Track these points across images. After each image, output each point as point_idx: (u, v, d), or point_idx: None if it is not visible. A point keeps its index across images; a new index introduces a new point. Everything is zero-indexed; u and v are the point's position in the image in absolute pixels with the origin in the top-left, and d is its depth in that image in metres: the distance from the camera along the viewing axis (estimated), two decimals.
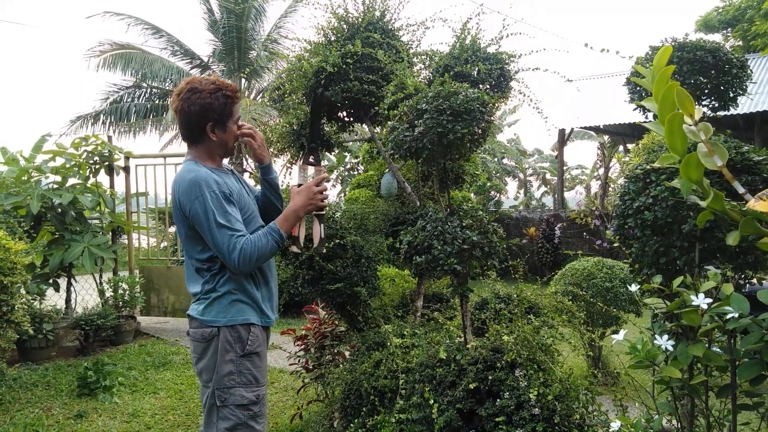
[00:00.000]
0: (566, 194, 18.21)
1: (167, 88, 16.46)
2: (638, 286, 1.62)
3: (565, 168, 19.99)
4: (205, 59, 16.55)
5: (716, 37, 16.92)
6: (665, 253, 1.90)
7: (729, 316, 1.31)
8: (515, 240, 10.93)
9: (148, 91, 16.68)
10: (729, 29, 17.11)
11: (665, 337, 1.39)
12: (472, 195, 11.28)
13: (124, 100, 16.43)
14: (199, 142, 2.07)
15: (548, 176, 24.47)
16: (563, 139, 13.33)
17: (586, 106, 12.72)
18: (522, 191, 24.98)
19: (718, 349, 1.49)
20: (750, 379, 1.33)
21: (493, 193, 13.52)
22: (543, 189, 25.33)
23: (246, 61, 16.13)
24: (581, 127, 13.39)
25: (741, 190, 1.31)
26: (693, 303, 1.32)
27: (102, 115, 16.13)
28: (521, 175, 25.24)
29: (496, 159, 20.83)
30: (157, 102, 16.66)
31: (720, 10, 17.24)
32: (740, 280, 1.98)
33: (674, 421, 1.68)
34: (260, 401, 2.07)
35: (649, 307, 1.61)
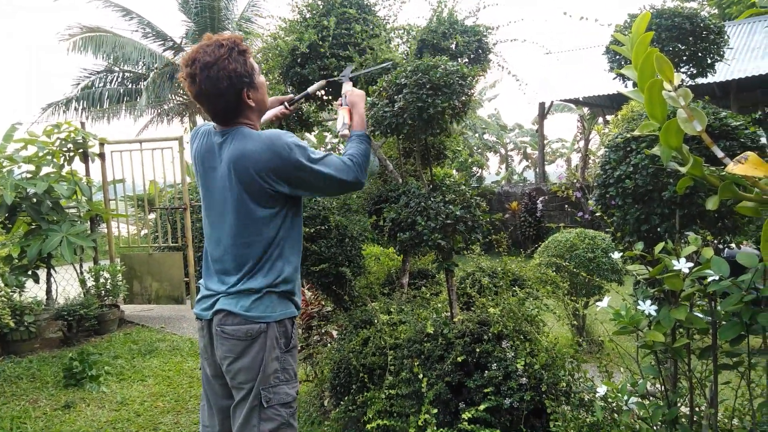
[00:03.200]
0: (547, 168, 18.34)
1: (140, 71, 16.08)
2: (621, 254, 1.63)
3: (545, 141, 20.07)
4: (178, 40, 16.17)
5: (692, 6, 16.95)
6: (646, 221, 1.92)
7: (710, 279, 1.33)
8: (498, 215, 10.99)
9: (121, 75, 16.28)
10: None
11: (648, 302, 1.40)
12: (454, 171, 11.29)
13: (96, 85, 16.03)
14: (238, 116, 1.84)
15: (529, 150, 24.60)
16: (543, 112, 13.36)
17: (566, 79, 12.74)
18: (503, 166, 25.09)
19: (699, 314, 1.52)
20: (730, 339, 1.36)
21: (474, 168, 13.55)
22: (524, 163, 25.49)
23: None
24: (561, 100, 13.42)
25: (720, 154, 1.32)
26: (675, 268, 1.33)
27: (74, 102, 15.73)
28: (502, 150, 25.33)
29: (477, 134, 20.86)
30: (130, 86, 16.28)
31: None
32: (719, 244, 2.02)
33: (658, 385, 1.71)
34: (296, 397, 1.94)
35: (632, 274, 1.63)
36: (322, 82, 2.35)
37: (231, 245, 1.86)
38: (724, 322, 1.40)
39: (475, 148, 19.95)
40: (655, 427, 1.48)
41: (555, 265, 4.27)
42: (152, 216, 7.67)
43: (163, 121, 17.24)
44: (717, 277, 1.32)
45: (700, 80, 2.47)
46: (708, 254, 1.39)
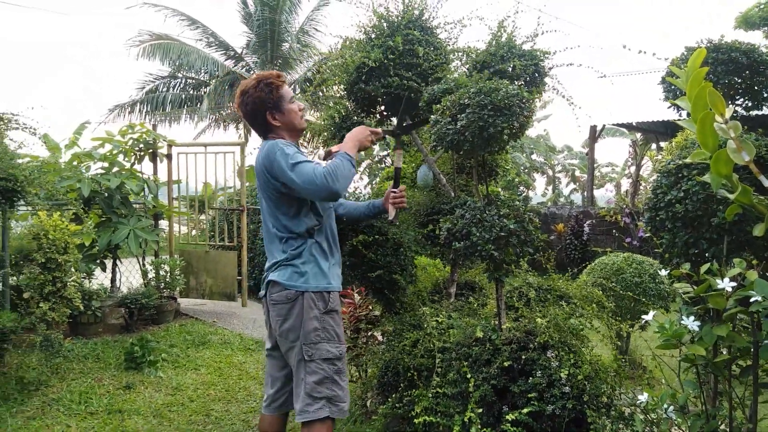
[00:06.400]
0: (596, 192, 18.05)
1: (201, 78, 16.87)
2: (667, 272, 1.73)
3: (595, 165, 19.73)
4: (239, 51, 16.87)
5: (756, 34, 16.48)
6: (695, 245, 2.00)
7: (753, 299, 1.42)
8: (544, 236, 10.92)
9: (183, 81, 17.11)
10: None
11: (692, 318, 1.50)
12: (500, 189, 11.31)
13: (160, 90, 16.89)
14: (269, 131, 2.34)
15: (577, 173, 24.23)
16: (594, 135, 13.24)
17: (619, 103, 12.60)
18: (550, 188, 24.80)
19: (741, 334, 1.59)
20: None
21: (521, 188, 13.52)
22: (572, 186, 25.12)
23: (278, 53, 16.40)
24: (613, 124, 13.27)
25: (767, 183, 1.41)
26: (718, 287, 1.43)
27: (138, 104, 16.61)
28: (550, 172, 25.05)
29: (525, 154, 20.74)
30: (191, 92, 17.07)
31: (762, 6, 16.76)
32: (767, 272, 2.08)
33: (699, 404, 1.79)
34: (343, 358, 2.24)
35: (678, 293, 1.72)
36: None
37: (267, 232, 2.30)
38: (765, 342, 1.48)
39: (522, 168, 19.83)
40: None
41: (601, 287, 4.31)
42: (205, 216, 8.07)
43: (219, 126, 17.95)
44: (760, 298, 1.41)
45: (755, 112, 2.53)
46: (752, 277, 1.48)
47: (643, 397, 1.64)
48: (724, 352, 1.66)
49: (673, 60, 2.31)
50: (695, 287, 1.56)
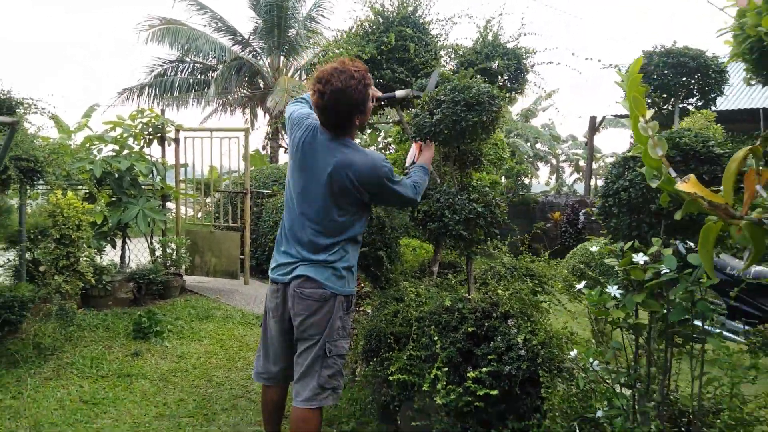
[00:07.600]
0: (598, 181, 18.23)
1: (209, 63, 17.11)
2: (598, 248, 2.01)
3: (598, 155, 19.90)
4: (247, 36, 17.08)
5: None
6: (637, 228, 2.27)
7: (663, 271, 1.70)
8: (539, 224, 11.17)
9: (191, 65, 17.36)
10: None
11: (615, 286, 1.78)
12: (502, 179, 11.54)
13: (168, 74, 17.15)
14: (345, 130, 2.29)
15: (581, 163, 24.39)
16: (594, 126, 13.42)
17: (621, 94, 12.76)
18: (554, 177, 24.97)
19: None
20: (678, 320, 1.72)
21: (520, 176, 13.73)
22: (576, 176, 25.28)
23: (285, 39, 16.60)
24: (613, 116, 13.43)
25: (673, 174, 1.68)
26: (634, 260, 1.71)
27: (147, 88, 16.89)
28: (554, 161, 25.20)
29: (529, 143, 20.90)
30: (199, 77, 17.33)
31: None
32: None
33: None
34: (348, 351, 2.50)
35: (610, 268, 2.00)
36: (409, 92, 2.82)
37: (315, 225, 2.31)
38: (675, 308, 1.76)
39: (526, 157, 20.02)
40: (616, 388, 1.85)
41: (579, 271, 4.58)
42: (210, 199, 8.38)
43: (226, 111, 18.24)
44: (668, 270, 1.69)
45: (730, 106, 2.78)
46: (666, 253, 1.76)
47: (573, 353, 1.92)
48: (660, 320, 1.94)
49: (616, 65, 2.56)
50: (619, 261, 1.84)
